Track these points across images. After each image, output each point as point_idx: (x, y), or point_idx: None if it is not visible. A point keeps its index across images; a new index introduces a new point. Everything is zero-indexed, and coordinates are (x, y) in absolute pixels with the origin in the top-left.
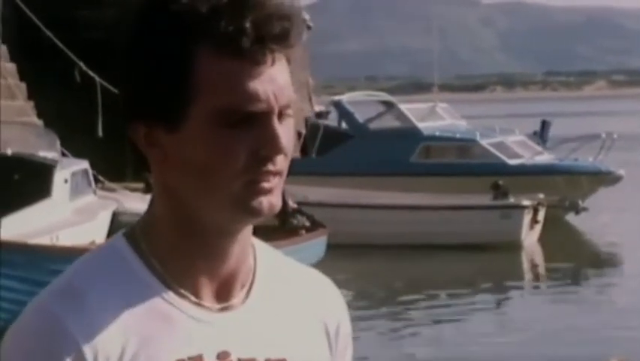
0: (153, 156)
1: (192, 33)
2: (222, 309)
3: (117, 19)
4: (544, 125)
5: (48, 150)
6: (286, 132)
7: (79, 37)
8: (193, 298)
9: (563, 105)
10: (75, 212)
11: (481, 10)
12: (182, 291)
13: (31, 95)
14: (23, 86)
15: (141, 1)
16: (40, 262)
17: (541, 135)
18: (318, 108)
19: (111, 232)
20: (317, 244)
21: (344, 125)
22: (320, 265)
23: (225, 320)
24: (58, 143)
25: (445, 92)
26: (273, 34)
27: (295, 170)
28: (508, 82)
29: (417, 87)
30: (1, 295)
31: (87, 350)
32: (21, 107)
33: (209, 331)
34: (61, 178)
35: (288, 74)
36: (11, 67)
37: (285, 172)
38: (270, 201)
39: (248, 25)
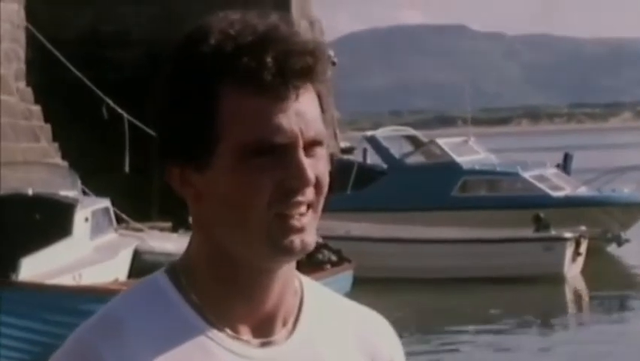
0: (188, 195)
1: (217, 72)
2: (263, 344)
3: (143, 59)
4: (567, 158)
5: (69, 189)
6: (315, 165)
7: (105, 77)
8: (231, 332)
9: (588, 137)
10: (96, 250)
11: (505, 42)
12: (221, 326)
13: (56, 136)
14: (48, 127)
15: (174, 46)
16: (60, 301)
17: (564, 168)
18: (343, 144)
19: (133, 269)
20: (342, 278)
21: (371, 159)
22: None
23: (266, 355)
24: (79, 182)
25: (470, 125)
26: (294, 69)
27: (332, 206)
28: (534, 114)
29: (441, 121)
30: (22, 337)
31: None
32: (45, 149)
33: None
34: (81, 217)
35: (317, 109)
36: (36, 109)
37: (319, 208)
38: (303, 239)
39: (269, 60)
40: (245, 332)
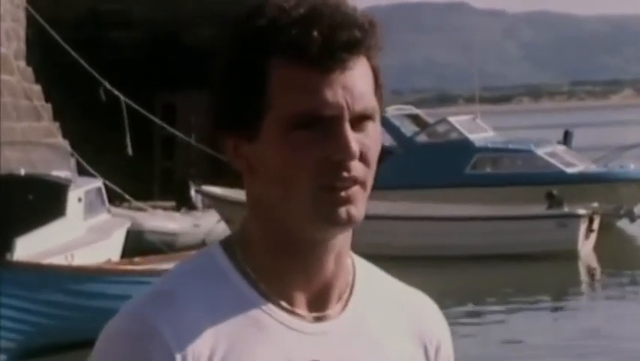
0: (240, 167)
1: (269, 45)
2: (317, 319)
3: (144, 40)
4: (567, 135)
5: (65, 169)
6: (362, 140)
7: (105, 58)
8: (287, 306)
9: (589, 115)
10: (89, 231)
11: (506, 20)
12: (276, 299)
13: (56, 117)
14: (49, 107)
15: (232, 20)
16: (55, 281)
17: (564, 145)
18: None
19: (126, 249)
20: None
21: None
22: None
23: (319, 329)
24: (73, 161)
25: (471, 104)
26: (340, 42)
27: None
28: (535, 92)
29: (442, 100)
30: (17, 317)
31: (177, 353)
32: (47, 128)
33: (302, 339)
34: (75, 197)
35: (369, 83)
36: (37, 88)
37: (369, 182)
38: (349, 211)
39: (315, 33)
40: (300, 306)
